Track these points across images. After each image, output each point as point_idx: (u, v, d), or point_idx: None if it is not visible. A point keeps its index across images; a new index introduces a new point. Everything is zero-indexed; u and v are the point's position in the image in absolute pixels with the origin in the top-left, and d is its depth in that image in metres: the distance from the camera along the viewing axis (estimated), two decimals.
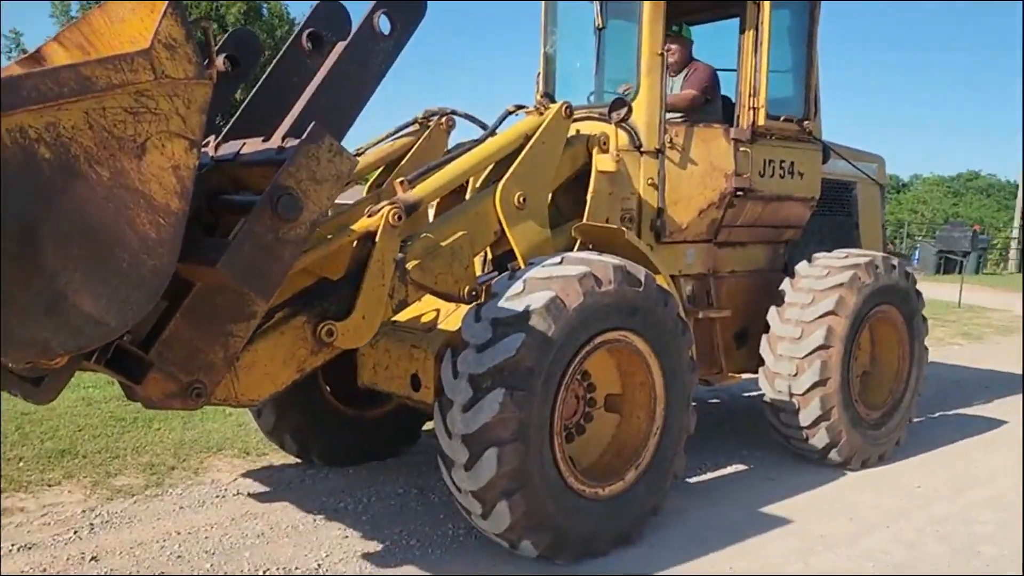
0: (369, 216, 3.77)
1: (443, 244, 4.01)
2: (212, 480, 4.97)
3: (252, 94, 3.65)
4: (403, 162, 5.14)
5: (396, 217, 3.70)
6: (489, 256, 4.91)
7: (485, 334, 3.61)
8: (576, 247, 4.54)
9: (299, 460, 5.26)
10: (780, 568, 3.99)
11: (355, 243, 3.73)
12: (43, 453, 5.21)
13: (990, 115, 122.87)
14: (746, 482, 5.27)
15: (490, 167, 4.56)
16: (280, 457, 5.39)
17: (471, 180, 4.68)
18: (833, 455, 5.41)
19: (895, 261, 5.85)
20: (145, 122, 2.40)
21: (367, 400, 5.18)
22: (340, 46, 3.41)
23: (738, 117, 5.46)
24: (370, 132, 5.52)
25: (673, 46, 5.58)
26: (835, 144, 6.32)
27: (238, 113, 3.66)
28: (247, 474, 5.10)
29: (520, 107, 4.85)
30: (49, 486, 4.73)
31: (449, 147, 5.21)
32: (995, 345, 11.95)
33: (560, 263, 3.88)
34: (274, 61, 3.70)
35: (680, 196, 5.24)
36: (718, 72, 5.75)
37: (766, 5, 5.38)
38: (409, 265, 3.86)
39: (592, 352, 3.91)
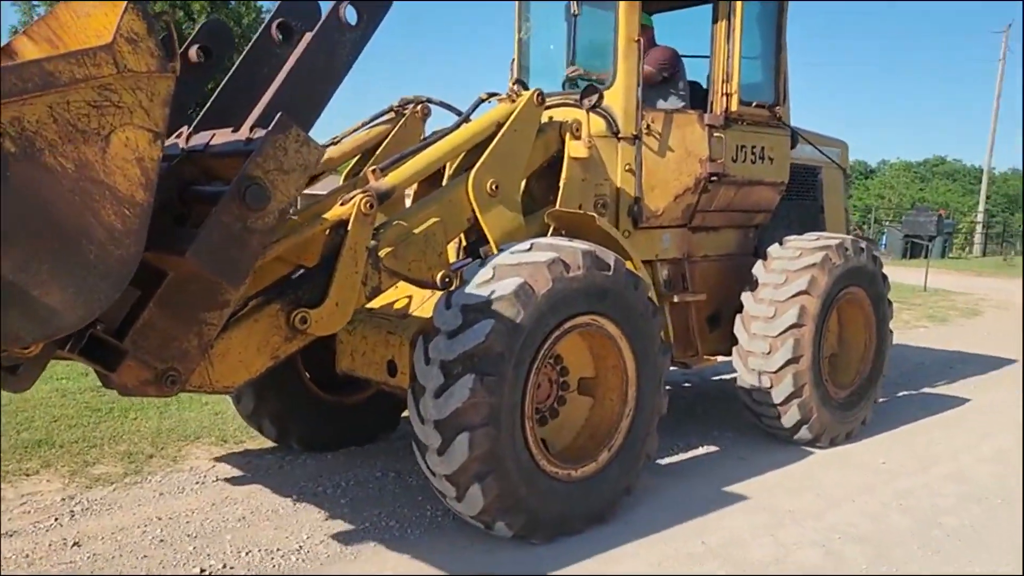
0: (342, 204, 3.83)
1: (416, 231, 4.07)
2: (191, 467, 5.00)
3: (222, 85, 3.67)
4: (379, 150, 5.18)
5: (368, 205, 3.76)
6: (463, 243, 4.97)
7: (455, 321, 3.67)
8: (549, 233, 4.61)
9: (278, 446, 5.31)
10: (749, 541, 4.12)
11: (328, 231, 3.79)
12: (19, 444, 5.20)
13: (956, 101, 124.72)
14: (717, 462, 5.40)
15: (463, 155, 4.61)
16: (259, 444, 5.43)
17: (448, 167, 4.74)
18: (803, 432, 5.55)
19: (863, 244, 6.01)
20: (109, 115, 2.44)
21: (346, 386, 5.24)
22: (308, 37, 3.44)
23: (711, 103, 5.55)
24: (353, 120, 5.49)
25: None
26: (801, 129, 6.45)
27: (209, 104, 3.68)
28: (226, 461, 5.13)
29: (493, 94, 4.90)
30: (27, 475, 4.74)
31: (425, 135, 5.26)
32: (959, 327, 12.22)
33: (529, 249, 3.94)
34: (244, 52, 3.72)
35: (657, 181, 5.33)
36: (683, 58, 5.84)
37: None
38: (382, 252, 3.92)
39: (563, 336, 3.98)
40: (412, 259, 4.04)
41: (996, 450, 5.78)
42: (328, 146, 5.30)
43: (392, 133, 5.26)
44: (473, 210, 4.37)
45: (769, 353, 5.39)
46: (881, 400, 6.94)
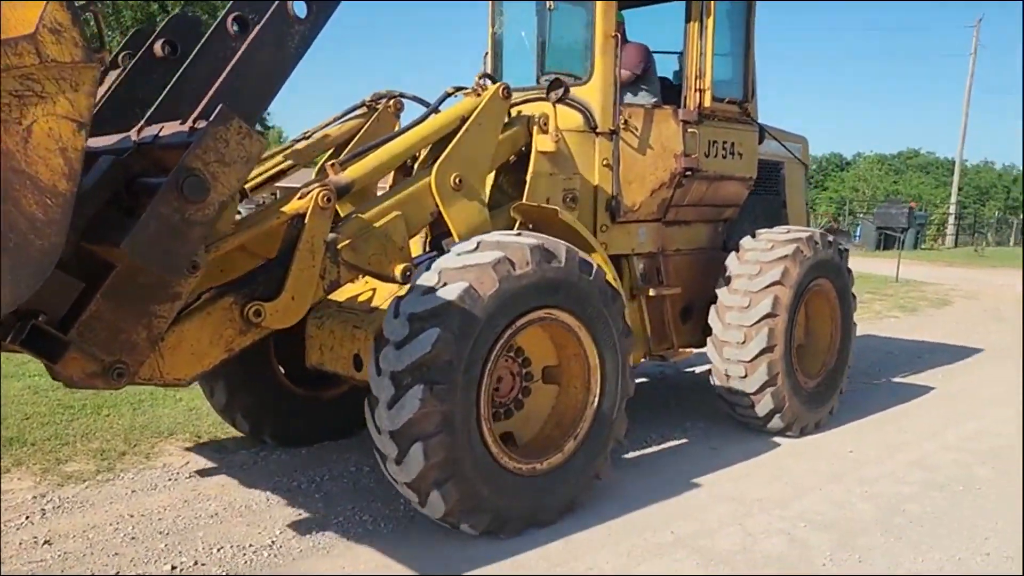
0: (300, 198, 3.85)
1: (376, 225, 4.08)
2: (164, 464, 5.00)
3: (177, 77, 3.66)
4: (351, 145, 5.19)
5: (325, 199, 3.79)
6: (428, 236, 4.99)
7: (403, 330, 3.65)
8: (516, 227, 4.65)
9: (252, 441, 5.32)
10: (717, 530, 4.19)
11: (286, 225, 3.81)
12: None
13: (931, 94, 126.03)
14: (689, 453, 5.48)
15: (428, 149, 4.63)
16: (232, 440, 5.44)
17: (416, 161, 4.76)
18: (776, 421, 5.63)
19: (831, 237, 6.13)
20: (31, 105, 2.42)
21: (320, 381, 5.25)
22: (255, 29, 3.43)
23: (685, 99, 5.61)
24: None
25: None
26: (765, 125, 6.54)
27: (162, 96, 3.68)
28: (199, 457, 5.13)
29: (460, 88, 4.90)
30: (1, 474, 4.72)
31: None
32: (929, 317, 12.41)
33: (475, 249, 3.90)
34: (199, 44, 3.71)
35: (634, 176, 5.37)
36: (654, 54, 5.89)
37: None
38: (341, 246, 3.94)
39: (517, 333, 3.98)
40: (372, 253, 4.06)
41: (960, 437, 5.90)
42: (300, 141, 5.31)
43: (364, 128, 5.26)
44: (437, 204, 4.37)
45: (744, 343, 5.47)
46: (851, 389, 7.07)
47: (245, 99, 3.17)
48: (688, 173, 5.54)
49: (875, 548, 4.04)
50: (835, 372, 6.20)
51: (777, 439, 5.71)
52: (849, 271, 6.31)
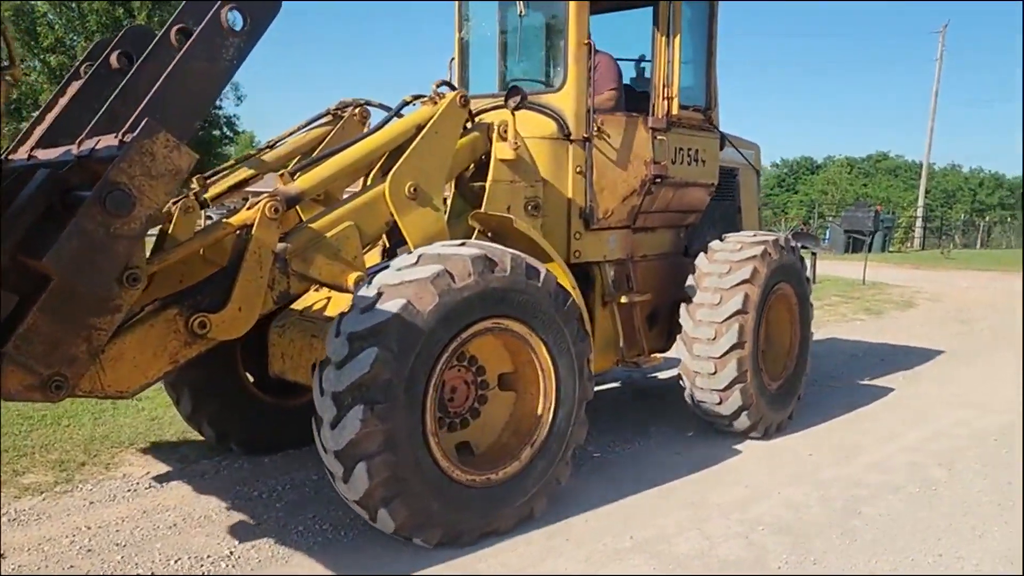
0: (248, 208, 3.85)
1: (328, 235, 4.08)
2: (124, 474, 4.96)
3: (119, 88, 3.65)
4: (315, 153, 5.18)
5: (272, 209, 3.81)
6: (386, 245, 4.98)
7: (343, 350, 3.63)
8: (475, 235, 4.66)
9: (213, 450, 5.29)
10: (676, 535, 4.23)
11: (234, 235, 3.82)
12: None
13: (899, 98, 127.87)
14: (652, 458, 5.52)
15: (384, 158, 4.61)
16: (194, 449, 5.40)
17: (373, 169, 4.75)
18: (743, 419, 5.69)
19: (794, 243, 6.25)
20: None
21: (287, 389, 5.23)
22: (191, 39, 3.40)
23: (654, 107, 5.66)
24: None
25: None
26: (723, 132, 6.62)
27: (104, 108, 3.66)
28: (160, 467, 5.10)
29: (417, 96, 4.90)
30: None
31: None
32: (893, 320, 12.59)
33: (415, 263, 3.86)
34: (141, 57, 3.69)
35: (606, 183, 5.41)
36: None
37: None
38: (290, 256, 3.94)
39: (464, 344, 3.96)
40: (323, 263, 4.06)
41: (918, 439, 6.00)
42: (265, 149, 5.30)
43: (330, 136, 5.25)
44: (392, 213, 4.35)
45: (714, 339, 5.53)
46: (813, 392, 7.19)
47: (177, 111, 3.14)
48: (657, 180, 5.60)
49: (830, 551, 4.10)
50: (794, 377, 6.29)
51: (738, 445, 5.77)
52: (808, 280, 6.42)
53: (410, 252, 4.16)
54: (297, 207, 4.59)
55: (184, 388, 5.05)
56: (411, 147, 4.43)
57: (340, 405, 3.59)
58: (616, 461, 5.45)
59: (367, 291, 3.76)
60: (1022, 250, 30.15)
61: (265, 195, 3.89)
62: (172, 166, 3.05)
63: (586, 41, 5.21)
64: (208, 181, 4.75)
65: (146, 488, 4.74)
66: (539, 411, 4.30)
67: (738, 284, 5.57)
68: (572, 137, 5.22)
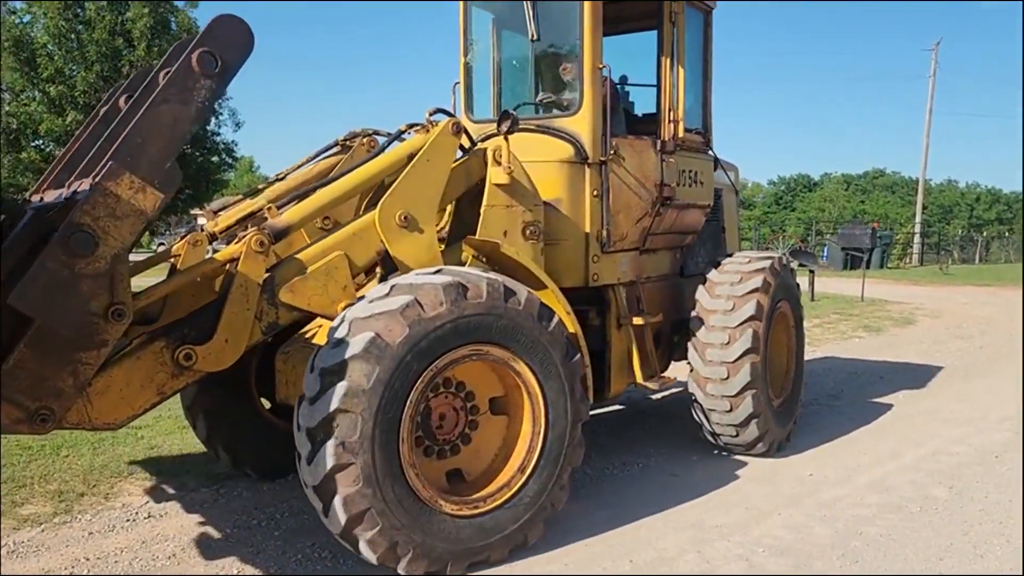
0: (237, 243, 3.91)
1: (316, 265, 4.12)
2: (123, 504, 4.95)
3: (109, 130, 3.72)
4: (303, 186, 5.19)
5: (258, 243, 3.88)
6: (380, 272, 4.99)
7: (315, 386, 3.63)
8: (468, 261, 4.68)
9: (212, 479, 5.29)
10: (676, 558, 4.21)
11: (222, 268, 3.92)
12: None
13: (895, 114, 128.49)
14: (650, 480, 5.51)
15: (377, 188, 4.63)
16: (193, 478, 5.40)
17: (366, 199, 4.79)
18: (752, 428, 5.67)
19: (793, 264, 6.35)
20: None
21: None
22: (163, 82, 3.45)
23: (661, 130, 5.72)
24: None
25: (568, 64, 5.80)
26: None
27: (94, 150, 3.73)
28: (159, 496, 5.09)
29: (412, 125, 4.91)
30: None
31: None
32: (893, 337, 12.60)
33: (387, 294, 3.82)
34: (134, 96, 3.75)
35: (621, 206, 5.45)
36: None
37: (682, 21, 5.69)
38: (278, 287, 3.98)
39: (440, 374, 3.91)
40: (312, 293, 4.10)
41: (918, 458, 5.99)
42: (274, 182, 5.34)
43: (338, 167, 5.26)
44: (382, 241, 4.37)
45: (728, 343, 5.59)
46: (812, 411, 7.19)
47: (148, 153, 3.21)
48: (666, 202, 5.65)
49: (831, 572, 4.09)
50: (792, 397, 6.34)
51: (738, 466, 5.76)
52: (800, 304, 6.54)
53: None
54: (303, 232, 4.65)
55: (200, 413, 5.13)
56: (402, 176, 4.44)
57: (314, 441, 3.60)
58: (616, 483, 5.43)
59: (340, 326, 3.77)
60: (1022, 265, 30.13)
61: (253, 229, 3.94)
62: (138, 206, 3.13)
63: (601, 65, 5.26)
64: (217, 214, 4.82)
65: (145, 518, 4.73)
66: (530, 434, 4.24)
67: (750, 292, 5.67)
68: (589, 160, 5.26)
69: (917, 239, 38.54)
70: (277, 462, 5.26)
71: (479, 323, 3.92)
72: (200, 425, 5.18)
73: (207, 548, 4.32)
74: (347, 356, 3.60)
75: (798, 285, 6.45)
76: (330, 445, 3.55)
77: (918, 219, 40.11)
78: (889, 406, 7.68)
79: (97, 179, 3.09)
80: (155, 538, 4.45)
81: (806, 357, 6.86)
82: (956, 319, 14.83)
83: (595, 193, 5.30)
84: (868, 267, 24.65)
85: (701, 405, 5.76)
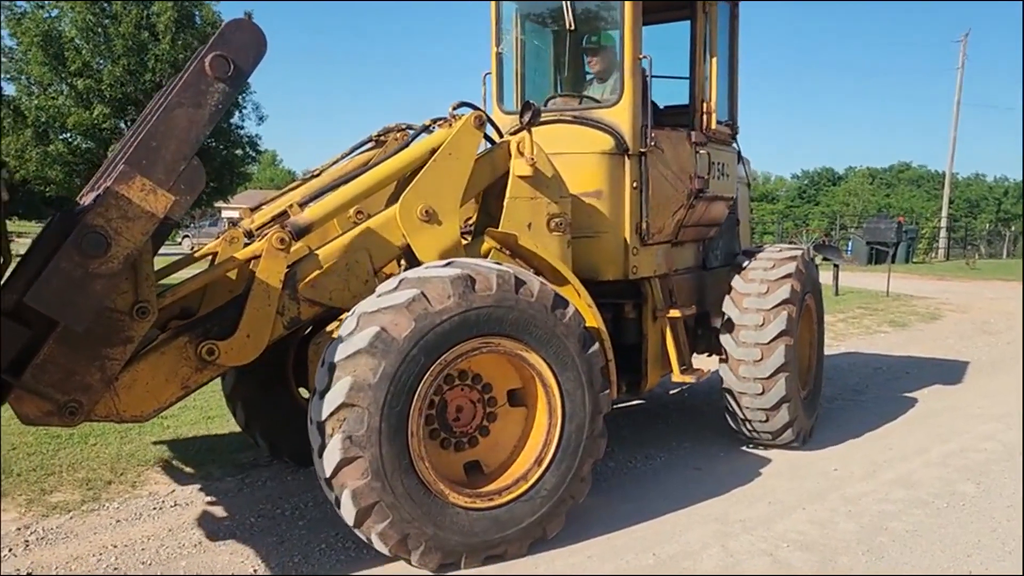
0: (259, 240, 4.00)
1: (338, 260, 4.15)
2: (150, 493, 5.01)
3: (133, 131, 3.79)
4: (328, 181, 5.21)
5: (279, 241, 3.93)
6: (403, 266, 5.00)
7: (324, 380, 3.67)
8: (491, 253, 4.67)
9: (238, 468, 5.35)
10: (700, 552, 4.20)
11: (245, 265, 4.02)
12: None
13: (922, 107, 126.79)
14: (673, 473, 5.49)
15: (402, 182, 4.63)
16: (219, 467, 5.45)
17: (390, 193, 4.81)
18: (783, 412, 5.62)
19: (817, 259, 6.34)
20: None
21: None
22: (177, 85, 3.49)
23: (694, 121, 5.69)
24: None
25: (595, 57, 5.78)
26: None
27: (119, 152, 3.80)
28: (186, 485, 5.14)
29: (437, 120, 4.88)
30: None
31: None
32: (919, 332, 12.46)
33: (395, 288, 3.81)
34: (156, 100, 3.79)
35: (660, 198, 5.42)
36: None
37: (715, 13, 5.66)
38: (300, 283, 4.03)
39: (449, 367, 3.89)
40: (333, 288, 4.14)
41: (944, 454, 5.92)
42: (310, 179, 5.37)
43: (371, 161, 5.27)
44: (404, 236, 4.37)
45: (763, 325, 5.57)
46: (837, 406, 7.14)
47: (162, 156, 3.28)
48: (700, 194, 5.61)
49: (856, 567, 4.06)
50: (815, 390, 6.34)
51: (761, 460, 5.73)
52: (822, 301, 6.56)
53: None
54: (336, 224, 4.68)
55: (239, 401, 5.26)
56: (423, 170, 4.43)
57: (323, 434, 3.64)
58: (638, 476, 5.42)
59: (349, 319, 3.79)
60: (1022, 258, 29.66)
61: (276, 226, 3.99)
62: (149, 208, 3.20)
63: (641, 55, 5.23)
64: (253, 212, 4.88)
65: (171, 506, 4.79)
66: (545, 427, 4.20)
67: (783, 278, 5.70)
68: (629, 152, 5.23)
69: (943, 233, 38.07)
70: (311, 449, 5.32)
71: (489, 315, 3.89)
72: (239, 413, 5.30)
73: (232, 537, 4.36)
74: (353, 350, 3.63)
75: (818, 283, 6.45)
76: (337, 439, 3.59)
77: (944, 213, 39.61)
78: (915, 401, 7.60)
79: (110, 182, 3.17)
80: (181, 526, 4.49)
81: (830, 352, 6.82)
82: (983, 314, 14.64)
83: (635, 185, 5.26)
84: (893, 261, 24.37)
85: (732, 391, 5.71)
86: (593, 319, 4.61)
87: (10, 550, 4.15)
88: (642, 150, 5.24)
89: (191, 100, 3.33)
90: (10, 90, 26.67)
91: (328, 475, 3.65)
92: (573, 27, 5.45)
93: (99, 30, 25.63)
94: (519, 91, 5.95)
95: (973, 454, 5.92)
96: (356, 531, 3.79)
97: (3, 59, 26.01)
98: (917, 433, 6.52)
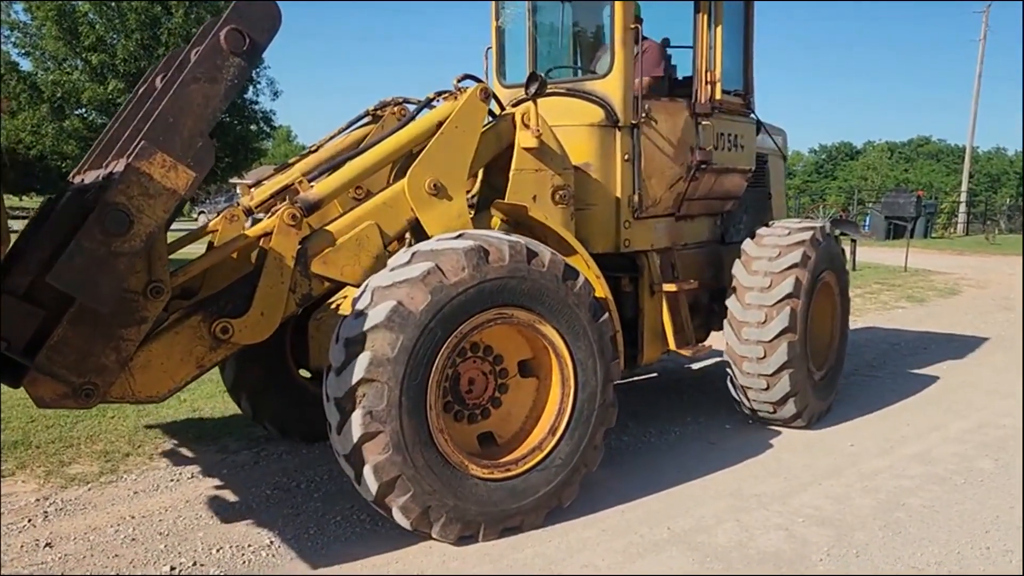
0: (269, 216, 3.96)
1: (348, 236, 4.12)
2: (167, 465, 5.05)
3: (144, 109, 3.75)
4: (334, 157, 5.18)
5: (291, 217, 3.91)
6: (411, 240, 4.98)
7: (340, 356, 3.65)
8: (498, 225, 4.63)
9: (253, 441, 5.39)
10: (714, 527, 4.19)
11: (256, 243, 3.98)
12: None
13: (941, 80, 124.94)
14: (687, 448, 5.48)
15: (407, 156, 4.59)
16: (235, 440, 5.49)
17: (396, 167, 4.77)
18: (789, 405, 5.59)
19: (837, 233, 6.21)
20: None
21: None
22: (192, 61, 3.43)
23: (697, 92, 5.58)
24: None
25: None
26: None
27: (128, 132, 3.75)
28: (202, 458, 5.18)
29: (441, 93, 4.82)
30: (2, 477, 4.77)
31: None
32: (936, 307, 12.34)
33: (408, 262, 3.81)
34: (168, 75, 3.75)
35: (654, 171, 5.36)
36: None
37: None
38: (310, 259, 4.01)
39: (465, 338, 3.90)
40: (344, 263, 4.11)
41: (962, 430, 5.88)
42: (308, 154, 5.35)
43: (369, 136, 5.24)
44: (412, 209, 4.34)
45: (765, 322, 5.47)
46: (854, 382, 7.09)
47: (179, 132, 3.22)
48: (702, 166, 5.52)
49: (873, 543, 4.04)
50: (835, 369, 6.24)
51: (776, 435, 5.70)
52: (846, 271, 6.34)
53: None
54: (336, 202, 4.64)
55: (243, 393, 5.26)
56: (430, 144, 4.39)
57: (342, 410, 3.63)
58: (652, 451, 5.41)
59: (363, 294, 3.77)
60: (1022, 237, 29.25)
61: (285, 203, 3.96)
62: (171, 184, 3.16)
63: (633, 25, 5.15)
64: (252, 188, 4.85)
65: (188, 479, 4.82)
66: (558, 397, 4.22)
67: (788, 268, 5.55)
68: (620, 124, 5.16)
69: (963, 208, 37.61)
70: (321, 428, 5.31)
71: (502, 286, 3.90)
72: (245, 405, 5.28)
73: (248, 509, 4.39)
74: (370, 325, 3.61)
75: (843, 250, 6.29)
76: (358, 415, 3.58)
77: (964, 187, 39.08)
78: (933, 377, 7.53)
79: (130, 159, 3.12)
80: (198, 498, 4.53)
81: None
82: (1002, 289, 14.49)
83: (626, 157, 5.21)
84: (912, 236, 24.13)
85: (734, 355, 5.66)
86: (601, 289, 4.58)
87: (29, 520, 4.20)
88: (633, 122, 5.17)
89: (207, 75, 3.27)
90: (26, 65, 26.71)
91: (348, 451, 3.65)
92: None
93: (112, 4, 25.55)
94: (531, 64, 5.87)
95: (991, 430, 5.87)
96: (376, 506, 3.80)
97: (18, 33, 25.99)
98: (934, 409, 6.47)
